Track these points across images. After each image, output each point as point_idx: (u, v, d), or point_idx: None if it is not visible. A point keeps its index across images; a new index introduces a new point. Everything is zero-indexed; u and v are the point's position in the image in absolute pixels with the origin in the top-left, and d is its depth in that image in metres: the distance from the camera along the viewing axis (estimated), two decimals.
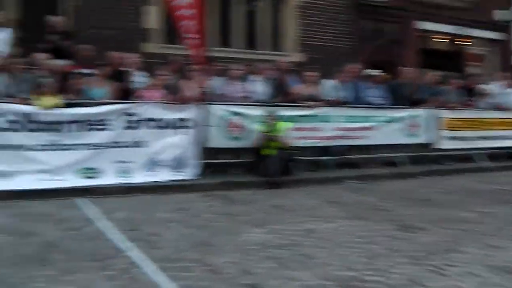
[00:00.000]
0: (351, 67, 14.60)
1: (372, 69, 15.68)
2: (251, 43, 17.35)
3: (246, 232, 7.82)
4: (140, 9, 15.47)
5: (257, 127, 11.98)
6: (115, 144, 10.71)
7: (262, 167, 11.64)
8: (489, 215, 9.57)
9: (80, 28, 14.54)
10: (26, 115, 10.10)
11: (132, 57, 12.29)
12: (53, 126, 10.26)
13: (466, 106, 15.81)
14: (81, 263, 6.27)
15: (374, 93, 14.08)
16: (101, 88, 11.08)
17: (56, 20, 13.07)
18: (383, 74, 14.93)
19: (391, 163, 14.52)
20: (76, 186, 10.18)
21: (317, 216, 9.03)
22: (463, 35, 22.21)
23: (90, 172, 10.48)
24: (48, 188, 9.96)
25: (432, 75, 15.73)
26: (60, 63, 12.03)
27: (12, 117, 10.03)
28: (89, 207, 9.16)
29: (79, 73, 11.45)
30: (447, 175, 14.25)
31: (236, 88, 12.35)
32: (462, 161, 15.83)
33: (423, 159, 14.90)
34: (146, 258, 6.47)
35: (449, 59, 22.46)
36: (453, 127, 15.21)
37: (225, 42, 16.98)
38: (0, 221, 8.20)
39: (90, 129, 10.54)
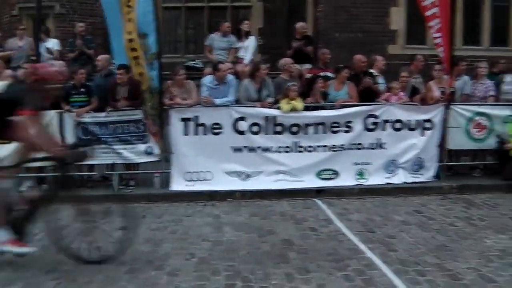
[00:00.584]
0: None
1: None
2: (499, 39, 16.57)
3: (487, 238, 7.48)
4: (385, 11, 15.43)
5: (503, 128, 11.41)
6: (355, 146, 10.76)
7: (507, 169, 11.06)
8: None
9: (326, 33, 14.88)
10: (270, 118, 10.50)
11: (378, 59, 12.30)
12: (294, 128, 10.55)
13: None
14: (317, 262, 6.40)
15: None
16: (340, 91, 11.17)
17: (300, 26, 13.41)
18: None
19: None
20: (313, 187, 10.39)
21: None
22: None
23: (329, 173, 10.64)
24: (287, 189, 10.29)
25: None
26: (303, 67, 12.41)
27: (256, 120, 10.49)
28: (326, 208, 9.30)
29: (323, 77, 11.65)
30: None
31: (482, 87, 11.85)
32: None
33: None
34: (382, 260, 6.44)
35: None
36: None
37: (472, 40, 16.39)
38: (240, 219, 8.62)
39: (331, 131, 10.69)
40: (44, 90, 6.37)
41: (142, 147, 10.53)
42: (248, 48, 13.13)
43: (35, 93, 6.21)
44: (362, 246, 7.00)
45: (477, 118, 11.29)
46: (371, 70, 11.87)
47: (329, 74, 11.94)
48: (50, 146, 6.34)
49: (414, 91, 11.40)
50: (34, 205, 6.34)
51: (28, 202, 6.40)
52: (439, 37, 11.02)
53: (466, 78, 12.07)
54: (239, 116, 10.43)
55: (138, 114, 10.47)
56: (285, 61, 11.71)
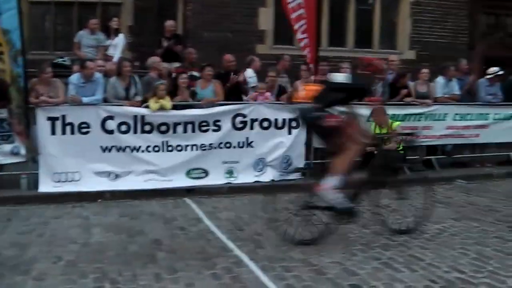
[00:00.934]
0: (466, 64, 14.17)
1: (489, 65, 15.14)
2: (363, 41, 17.15)
3: (351, 233, 7.81)
4: (254, 11, 15.59)
5: (366, 127, 11.84)
6: (223, 145, 10.84)
7: (368, 167, 11.47)
8: None
9: (195, 31, 14.86)
10: (138, 117, 10.40)
11: (255, 60, 12.50)
12: (163, 127, 10.50)
13: None
14: (186, 261, 6.41)
15: (489, 91, 13.57)
16: (206, 89, 11.23)
17: (169, 24, 13.37)
18: (501, 71, 14.35)
19: (504, 162, 14.02)
20: (183, 186, 10.39)
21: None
22: None
23: (198, 172, 10.67)
24: (157, 188, 10.24)
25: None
26: (172, 66, 12.38)
27: (124, 119, 10.35)
28: (196, 207, 9.34)
29: (190, 76, 11.65)
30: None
31: None
32: None
33: None
34: (250, 257, 6.55)
35: None
36: None
37: (337, 41, 16.86)
38: (109, 220, 8.50)
39: (200, 130, 10.71)
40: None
41: (7, 147, 10.14)
42: (117, 46, 13.00)
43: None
44: (231, 244, 7.08)
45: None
46: (237, 69, 11.98)
47: (194, 73, 11.97)
48: None
49: (281, 91, 11.62)
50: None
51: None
52: (305, 38, 11.28)
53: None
54: (107, 115, 10.27)
55: (2, 113, 10.08)
56: (154, 59, 11.69)
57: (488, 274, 6.14)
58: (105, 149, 10.29)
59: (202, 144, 10.68)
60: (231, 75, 11.56)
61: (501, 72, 13.60)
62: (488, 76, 13.60)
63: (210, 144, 10.68)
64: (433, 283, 5.82)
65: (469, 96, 13.66)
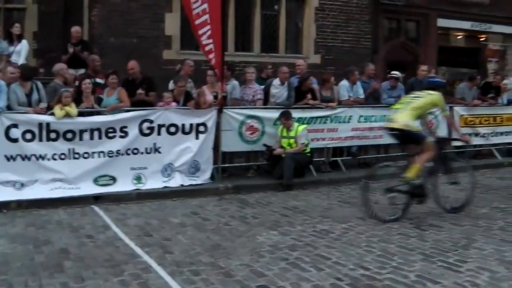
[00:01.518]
0: (369, 68, 14.55)
1: (391, 68, 15.60)
2: (269, 46, 17.33)
3: (259, 235, 7.87)
4: (160, 16, 15.49)
5: (272, 130, 12.02)
6: (131, 151, 10.73)
7: (277, 169, 11.68)
8: (503, 211, 9.60)
9: (101, 37, 14.67)
10: (43, 125, 10.16)
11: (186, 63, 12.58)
12: (69, 134, 10.31)
13: (484, 102, 15.68)
14: (93, 269, 6.34)
15: (392, 94, 13.96)
16: (111, 97, 11.13)
17: (75, 30, 13.17)
18: (402, 74, 14.80)
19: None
20: (91, 194, 10.22)
21: (331, 217, 9.07)
22: (483, 31, 22.05)
23: (106, 179, 10.54)
24: (64, 197, 10.02)
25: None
26: (78, 72, 12.22)
27: (28, 127, 10.10)
28: (104, 214, 9.19)
29: (94, 82, 11.48)
30: (464, 172, 14.15)
31: (251, 91, 12.35)
32: (479, 157, 15.76)
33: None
34: (158, 263, 6.53)
35: (468, 56, 22.36)
36: (469, 124, 15.12)
37: (244, 46, 16.99)
38: (15, 230, 8.27)
39: (107, 137, 10.56)
40: None
41: None
42: (20, 52, 12.73)
43: None
44: (139, 250, 7.04)
45: (249, 121, 11.78)
46: (143, 76, 11.89)
47: (98, 80, 11.86)
48: None
49: (187, 96, 11.61)
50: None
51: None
52: (210, 43, 11.33)
53: (235, 82, 12.54)
54: (10, 123, 9.97)
55: None
56: (59, 66, 11.53)
57: (392, 269, 6.37)
58: (9, 158, 9.96)
59: (110, 151, 10.52)
60: (138, 92, 11.43)
61: (398, 75, 14.01)
62: (391, 77, 13.99)
63: (118, 150, 10.55)
64: (339, 281, 5.98)
65: (373, 99, 14.03)
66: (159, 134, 10.84)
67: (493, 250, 7.17)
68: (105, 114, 10.73)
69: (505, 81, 16.84)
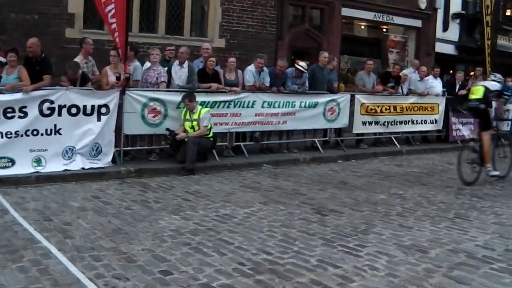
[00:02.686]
0: (278, 60, 14.64)
1: (295, 54, 15.74)
2: (175, 28, 17.15)
3: (161, 219, 7.80)
4: None
5: (175, 113, 11.94)
6: (30, 132, 10.39)
7: (179, 153, 11.61)
8: (401, 197, 9.89)
9: (1, 13, 14.10)
10: None
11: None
12: None
13: (384, 91, 16.08)
14: None
15: (296, 81, 14.10)
16: (11, 75, 10.72)
17: None
18: (306, 62, 14.96)
19: (309, 147, 14.74)
20: None
21: (234, 201, 9.11)
22: (385, 22, 22.57)
23: (4, 161, 10.16)
24: None
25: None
26: None
27: None
28: (2, 198, 8.83)
29: None
30: (364, 158, 14.56)
31: (154, 74, 12.20)
32: (378, 145, 16.25)
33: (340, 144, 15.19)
34: (58, 248, 6.36)
35: (371, 45, 22.85)
36: (370, 112, 15.49)
37: (148, 27, 16.73)
38: None
39: (5, 117, 10.15)
40: None
41: None
42: None
43: None
44: (38, 236, 6.83)
45: (151, 103, 11.66)
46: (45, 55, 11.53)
47: (0, 58, 11.41)
48: None
49: (83, 78, 11.29)
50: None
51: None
52: (114, 23, 11.11)
53: (137, 64, 12.38)
54: None
55: None
56: None
57: (293, 254, 6.45)
58: None
59: (8, 132, 10.13)
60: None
61: (304, 68, 14.14)
62: (297, 68, 14.10)
63: (16, 131, 10.18)
64: (242, 265, 6.01)
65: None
66: (60, 115, 10.55)
67: (391, 235, 7.39)
68: (4, 93, 10.32)
69: (405, 71, 17.33)
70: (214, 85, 12.63)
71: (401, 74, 16.75)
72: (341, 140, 15.31)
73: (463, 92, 17.73)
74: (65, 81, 10.97)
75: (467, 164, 11.30)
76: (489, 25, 20.43)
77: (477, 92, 11.53)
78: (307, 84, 14.29)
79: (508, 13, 29.60)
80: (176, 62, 12.44)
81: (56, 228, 7.22)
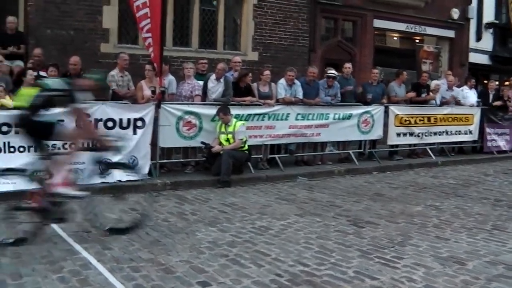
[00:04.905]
0: (307, 67, 14.70)
1: (327, 66, 15.79)
2: (208, 42, 17.27)
3: (198, 231, 7.86)
4: (98, 8, 15.21)
5: (210, 126, 12.02)
6: (68, 146, 10.44)
7: (214, 166, 11.68)
8: (437, 209, 9.83)
9: (36, 29, 14.33)
10: None
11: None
12: (4, 127, 9.95)
13: (417, 102, 16.03)
14: (32, 266, 6.21)
15: (329, 92, 14.14)
16: None
17: (9, 20, 12.88)
18: (338, 73, 15.01)
19: (344, 159, 14.72)
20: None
21: (270, 213, 9.13)
22: (417, 32, 22.49)
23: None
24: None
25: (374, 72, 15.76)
26: (13, 64, 11.93)
27: None
28: None
29: (38, 75, 11.21)
30: (399, 170, 14.50)
31: (189, 87, 12.31)
32: (413, 156, 16.18)
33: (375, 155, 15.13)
34: (98, 259, 6.45)
35: (403, 57, 22.76)
36: (404, 123, 15.43)
37: (182, 41, 16.86)
38: None
39: None
40: None
41: None
42: None
43: None
44: (78, 247, 6.93)
45: (186, 116, 11.75)
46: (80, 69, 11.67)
47: (42, 73, 11.55)
48: None
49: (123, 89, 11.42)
50: None
51: None
52: (149, 37, 11.24)
53: (171, 78, 12.51)
54: None
55: None
56: None
57: (330, 266, 6.46)
58: None
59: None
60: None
61: (335, 75, 14.21)
62: (328, 76, 14.17)
63: (53, 145, 10.27)
64: (279, 277, 6.03)
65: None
66: (96, 128, 10.66)
67: (428, 247, 7.35)
68: None
69: (437, 82, 17.25)
70: (248, 99, 12.71)
71: (432, 84, 16.71)
72: (375, 151, 15.25)
73: (498, 103, 17.68)
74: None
75: None
76: None
77: None
78: (339, 95, 14.32)
79: None
80: (213, 77, 12.51)
81: (94, 239, 7.31)
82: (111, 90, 11.41)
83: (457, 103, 17.04)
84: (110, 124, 10.85)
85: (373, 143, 15.44)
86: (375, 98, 14.93)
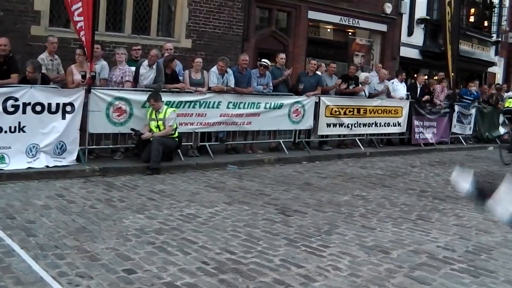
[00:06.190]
0: (239, 55, 14.73)
1: (261, 56, 15.87)
2: (142, 28, 17.08)
3: (126, 218, 7.81)
4: None
5: (140, 112, 11.93)
6: None
7: (144, 152, 11.61)
8: (364, 199, 10.02)
9: None
10: None
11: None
12: None
13: (346, 93, 16.27)
14: None
15: (261, 81, 14.21)
16: None
17: None
18: (270, 63, 15.11)
19: (273, 149, 14.82)
20: None
21: (198, 201, 9.13)
22: (351, 25, 22.75)
23: None
24: None
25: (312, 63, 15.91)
26: None
27: None
28: None
29: None
30: (328, 160, 14.68)
31: (120, 73, 12.17)
32: (342, 146, 16.42)
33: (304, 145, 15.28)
34: (21, 246, 6.32)
35: (336, 49, 23.02)
36: (334, 114, 15.61)
37: (115, 26, 16.63)
38: None
39: None
40: None
41: None
42: None
43: None
44: (1, 233, 6.76)
45: (117, 102, 11.63)
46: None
47: None
48: None
49: (43, 79, 11.17)
50: None
51: None
52: (81, 21, 11.06)
53: (104, 63, 12.35)
54: None
55: None
56: None
57: (257, 254, 6.51)
58: None
59: None
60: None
61: (268, 64, 14.32)
62: (260, 65, 14.28)
63: None
64: (205, 264, 6.05)
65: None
66: (24, 112, 10.44)
67: (354, 236, 7.49)
68: None
69: (366, 74, 17.59)
70: (181, 85, 12.66)
71: (361, 76, 17.02)
72: (306, 141, 15.39)
73: (426, 97, 18.16)
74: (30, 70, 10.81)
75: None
76: (450, 30, 20.67)
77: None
78: (271, 85, 14.41)
79: (471, 19, 30.10)
80: (145, 63, 12.39)
81: (19, 226, 7.17)
82: (40, 74, 11.16)
83: (387, 95, 17.35)
84: (38, 108, 10.62)
85: (308, 133, 15.57)
86: (307, 88, 15.06)
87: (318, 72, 16.08)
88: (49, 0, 15.02)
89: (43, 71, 11.39)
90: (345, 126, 16.08)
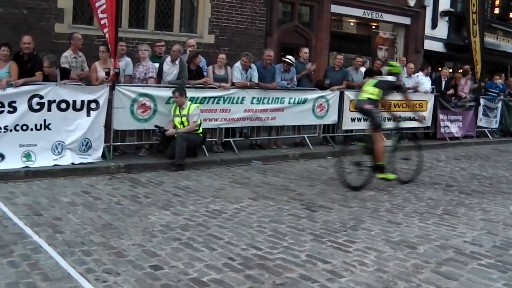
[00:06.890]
0: (264, 50, 14.71)
1: (284, 51, 15.82)
2: (164, 24, 17.12)
3: (151, 214, 7.83)
4: None
5: (164, 109, 11.94)
6: (19, 127, 10.34)
7: (169, 149, 11.62)
8: (389, 193, 9.97)
9: None
10: None
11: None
12: None
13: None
14: None
15: (285, 76, 14.17)
16: (2, 69, 10.64)
17: None
18: (294, 58, 15.03)
19: (298, 144, 14.78)
20: None
21: (223, 197, 9.13)
22: (374, 19, 22.65)
23: None
24: None
25: (338, 58, 15.82)
26: None
27: None
28: None
29: None
30: (353, 155, 14.57)
31: (144, 69, 12.19)
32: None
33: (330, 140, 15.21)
34: (48, 243, 6.36)
35: (360, 42, 22.91)
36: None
37: (138, 23, 16.68)
38: None
39: None
40: None
41: None
42: None
43: None
44: (28, 230, 6.82)
45: (141, 99, 11.66)
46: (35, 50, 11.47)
47: None
48: None
49: (63, 72, 11.18)
50: None
51: None
52: (104, 18, 11.09)
53: (128, 59, 12.36)
54: None
55: None
56: None
57: (283, 249, 6.49)
58: None
59: None
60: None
61: (292, 61, 14.25)
62: (284, 61, 14.24)
63: (5, 126, 10.14)
64: (231, 260, 6.04)
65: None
66: (49, 110, 10.51)
67: (380, 231, 7.45)
68: None
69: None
70: (204, 80, 12.66)
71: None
72: (330, 136, 15.33)
73: (451, 91, 18.03)
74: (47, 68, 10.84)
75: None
76: (475, 23, 20.47)
77: None
78: (295, 80, 14.37)
79: (496, 11, 29.80)
80: (168, 59, 12.39)
81: (46, 223, 7.22)
82: (58, 69, 11.16)
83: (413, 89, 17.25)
84: (63, 105, 10.69)
85: (332, 127, 15.48)
86: (334, 83, 14.99)
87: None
88: None
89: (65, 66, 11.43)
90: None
